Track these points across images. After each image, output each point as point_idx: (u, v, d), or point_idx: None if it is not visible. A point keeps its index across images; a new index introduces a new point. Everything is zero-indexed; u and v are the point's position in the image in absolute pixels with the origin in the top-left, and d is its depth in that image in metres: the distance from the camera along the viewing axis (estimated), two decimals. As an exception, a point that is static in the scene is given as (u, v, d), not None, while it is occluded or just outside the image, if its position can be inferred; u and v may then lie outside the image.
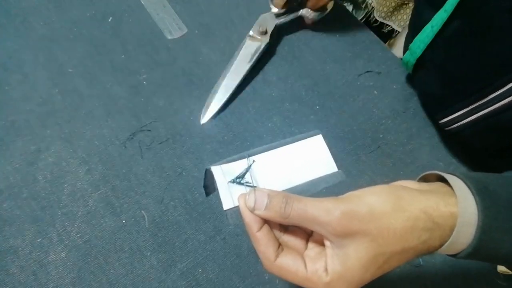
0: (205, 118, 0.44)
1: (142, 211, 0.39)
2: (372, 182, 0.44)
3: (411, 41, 0.45)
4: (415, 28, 0.45)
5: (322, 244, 0.26)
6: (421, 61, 0.45)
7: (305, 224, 0.25)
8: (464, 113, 0.40)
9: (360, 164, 0.45)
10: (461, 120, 0.41)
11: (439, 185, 0.26)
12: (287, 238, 0.27)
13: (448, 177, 0.26)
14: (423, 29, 0.42)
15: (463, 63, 0.38)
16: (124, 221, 0.39)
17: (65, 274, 0.36)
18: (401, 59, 0.50)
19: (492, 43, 0.35)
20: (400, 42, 0.62)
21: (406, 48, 0.48)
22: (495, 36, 0.34)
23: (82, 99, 0.44)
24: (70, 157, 0.41)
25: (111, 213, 0.39)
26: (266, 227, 0.26)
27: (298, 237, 0.28)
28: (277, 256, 0.25)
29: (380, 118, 0.48)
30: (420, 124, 0.49)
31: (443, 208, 0.24)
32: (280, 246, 0.26)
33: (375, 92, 0.50)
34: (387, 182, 0.27)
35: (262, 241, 0.25)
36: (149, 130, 0.43)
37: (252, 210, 0.26)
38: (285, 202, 0.25)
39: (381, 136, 0.47)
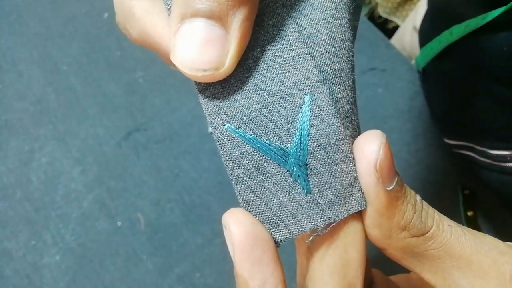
0: None
1: (138, 213, 0.38)
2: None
3: (422, 42, 0.43)
4: (425, 33, 0.43)
5: None
6: (430, 68, 0.43)
7: (434, 264, 0.14)
8: (462, 145, 0.39)
9: (364, 164, 0.43)
10: (461, 150, 0.39)
11: None
12: None
13: None
14: (433, 39, 0.40)
15: (466, 96, 0.36)
16: (119, 223, 0.38)
17: (59, 277, 0.35)
18: (409, 57, 0.48)
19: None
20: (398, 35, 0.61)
21: (421, 43, 0.46)
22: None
23: (76, 98, 0.43)
24: (64, 157, 0.40)
25: (106, 215, 0.38)
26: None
27: None
28: None
29: (384, 117, 0.47)
30: (425, 123, 0.47)
31: None
32: None
33: (379, 90, 0.48)
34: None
35: None
36: (145, 130, 0.42)
37: (375, 174, 0.13)
38: (421, 203, 0.14)
39: (385, 135, 0.46)
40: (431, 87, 0.43)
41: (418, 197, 0.14)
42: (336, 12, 0.14)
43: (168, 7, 0.14)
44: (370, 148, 0.13)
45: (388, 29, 0.76)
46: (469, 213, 0.41)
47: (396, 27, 0.76)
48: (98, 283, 0.35)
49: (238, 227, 0.13)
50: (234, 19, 0.12)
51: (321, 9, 0.14)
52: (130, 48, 0.47)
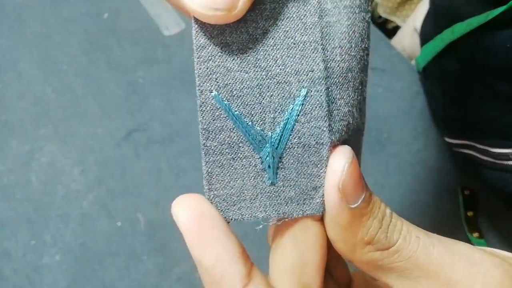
0: None
1: (138, 214, 0.38)
2: (376, 183, 0.43)
3: (423, 41, 0.43)
4: (427, 32, 0.43)
5: None
6: (431, 66, 0.43)
7: (402, 275, 0.13)
8: (464, 144, 0.39)
9: (364, 164, 0.43)
10: (462, 149, 0.39)
11: None
12: None
13: None
14: (435, 38, 0.40)
15: (466, 91, 0.36)
16: (119, 223, 0.38)
17: (59, 278, 0.35)
18: (410, 57, 0.48)
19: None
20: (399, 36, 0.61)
21: (422, 43, 0.46)
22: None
23: (76, 98, 0.43)
24: (64, 157, 0.40)
25: (106, 216, 0.38)
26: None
27: None
28: None
29: (384, 117, 0.47)
30: (426, 123, 0.47)
31: None
32: None
33: (379, 90, 0.48)
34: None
35: None
36: (145, 130, 0.42)
37: (339, 193, 0.13)
38: (389, 217, 0.14)
39: (385, 135, 0.46)
40: (432, 86, 0.43)
41: (388, 211, 0.14)
42: (363, 3, 0.13)
43: None
44: (335, 166, 0.13)
45: (388, 29, 0.76)
46: (469, 214, 0.41)
47: (396, 27, 0.76)
48: (98, 283, 0.35)
49: (183, 212, 0.12)
50: None
51: None
52: (130, 48, 0.47)
